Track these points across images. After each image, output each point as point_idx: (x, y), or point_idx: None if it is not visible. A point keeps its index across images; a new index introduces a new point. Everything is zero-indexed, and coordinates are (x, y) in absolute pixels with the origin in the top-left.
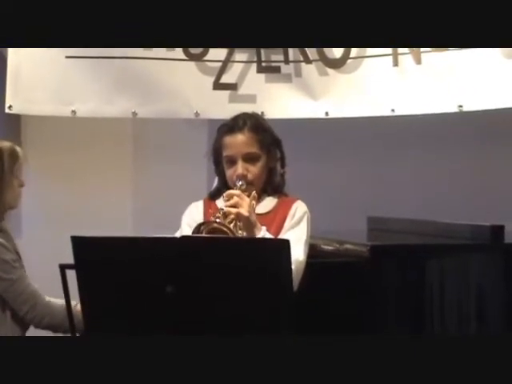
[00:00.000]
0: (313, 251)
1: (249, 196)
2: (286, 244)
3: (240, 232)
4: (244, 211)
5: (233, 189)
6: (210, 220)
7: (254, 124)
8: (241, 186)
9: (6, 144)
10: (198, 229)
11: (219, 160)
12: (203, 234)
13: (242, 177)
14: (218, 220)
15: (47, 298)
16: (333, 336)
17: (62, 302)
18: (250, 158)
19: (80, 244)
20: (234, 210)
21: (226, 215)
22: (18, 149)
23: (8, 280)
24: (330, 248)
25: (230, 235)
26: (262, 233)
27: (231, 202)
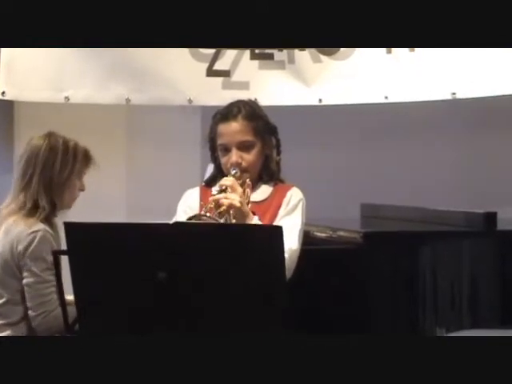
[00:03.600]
0: (306, 238)
1: (242, 184)
2: (278, 230)
3: (234, 221)
4: (236, 202)
5: (227, 177)
6: (199, 214)
7: (249, 112)
8: (235, 173)
9: (81, 146)
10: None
11: (214, 147)
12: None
13: (237, 165)
14: (207, 214)
15: None
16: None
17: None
18: (244, 146)
19: (73, 230)
20: (225, 202)
21: (218, 205)
22: (91, 153)
23: (38, 276)
24: (323, 235)
25: None
26: (254, 222)
27: (223, 194)
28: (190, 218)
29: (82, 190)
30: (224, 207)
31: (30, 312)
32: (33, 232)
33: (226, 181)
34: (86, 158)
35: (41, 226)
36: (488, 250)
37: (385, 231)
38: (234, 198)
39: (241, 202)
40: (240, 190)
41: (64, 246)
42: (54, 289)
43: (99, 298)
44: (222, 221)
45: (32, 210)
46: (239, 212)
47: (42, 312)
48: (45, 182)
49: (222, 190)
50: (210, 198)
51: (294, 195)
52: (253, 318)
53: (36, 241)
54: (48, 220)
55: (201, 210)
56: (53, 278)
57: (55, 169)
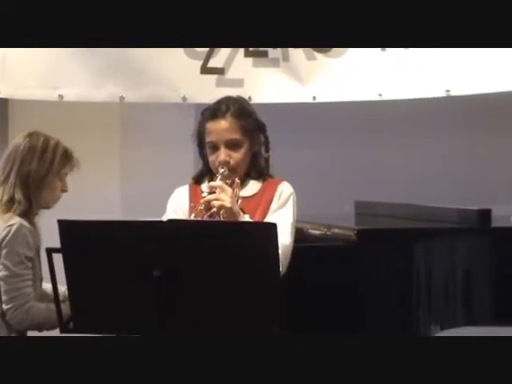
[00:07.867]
0: (300, 235)
1: (232, 185)
2: (273, 227)
3: None
4: (226, 203)
5: (215, 174)
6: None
7: (238, 109)
8: (223, 172)
9: (62, 145)
10: None
11: (203, 144)
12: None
13: (225, 163)
14: (198, 218)
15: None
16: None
17: (44, 304)
18: (232, 145)
19: (66, 228)
20: (216, 203)
21: (208, 208)
22: (73, 153)
23: (10, 270)
24: (317, 232)
25: None
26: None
27: (213, 195)
28: None
29: (65, 190)
30: (215, 209)
31: (3, 306)
32: (8, 226)
33: (216, 183)
34: (65, 158)
35: (17, 219)
36: (482, 247)
37: (379, 228)
38: (224, 199)
39: (231, 203)
40: (230, 190)
41: (44, 246)
42: (27, 283)
43: (93, 295)
44: None
45: (8, 204)
46: (230, 212)
47: (11, 306)
48: (22, 178)
49: (212, 192)
50: (201, 200)
51: (285, 189)
52: (248, 314)
53: (11, 234)
54: (27, 216)
55: (191, 212)
56: (26, 271)
57: (32, 165)
